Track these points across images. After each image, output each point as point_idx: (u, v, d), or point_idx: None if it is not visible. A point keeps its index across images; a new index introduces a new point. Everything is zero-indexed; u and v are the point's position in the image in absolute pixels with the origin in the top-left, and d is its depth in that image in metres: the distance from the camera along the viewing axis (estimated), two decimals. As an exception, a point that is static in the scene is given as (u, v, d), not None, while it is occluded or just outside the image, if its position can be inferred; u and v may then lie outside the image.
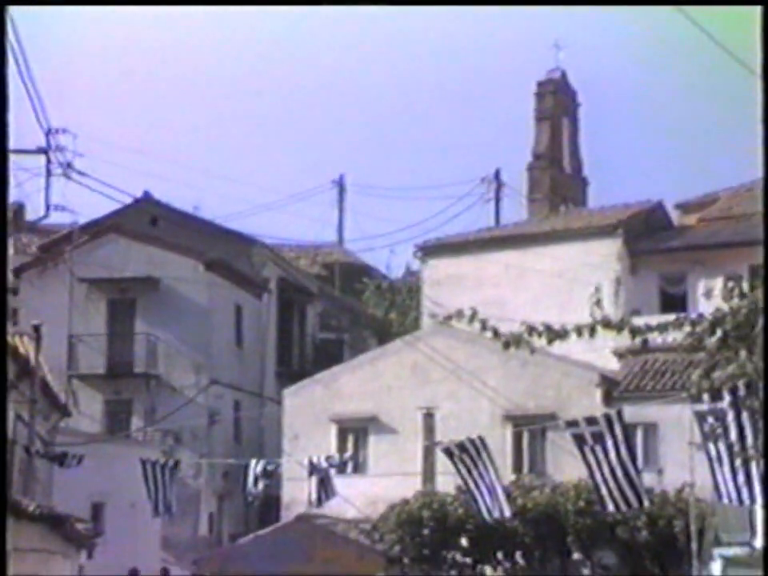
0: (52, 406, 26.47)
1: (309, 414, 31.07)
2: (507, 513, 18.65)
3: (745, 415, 12.60)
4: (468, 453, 18.26)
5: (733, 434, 12.72)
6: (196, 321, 34.55)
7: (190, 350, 34.52)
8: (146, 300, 34.80)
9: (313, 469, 22.27)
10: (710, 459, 13.09)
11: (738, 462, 12.86)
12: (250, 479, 21.24)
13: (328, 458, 23.28)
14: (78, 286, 34.25)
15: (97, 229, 35.13)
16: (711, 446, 13.11)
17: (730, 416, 12.74)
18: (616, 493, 15.78)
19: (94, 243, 34.57)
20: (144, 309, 34.89)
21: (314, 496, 21.55)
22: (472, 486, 18.25)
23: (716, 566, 14.38)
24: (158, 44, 67.75)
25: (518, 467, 28.66)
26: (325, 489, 21.64)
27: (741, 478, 12.94)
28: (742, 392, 12.53)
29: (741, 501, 13.02)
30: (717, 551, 14.25)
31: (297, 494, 28.20)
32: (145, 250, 35.15)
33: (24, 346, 19.22)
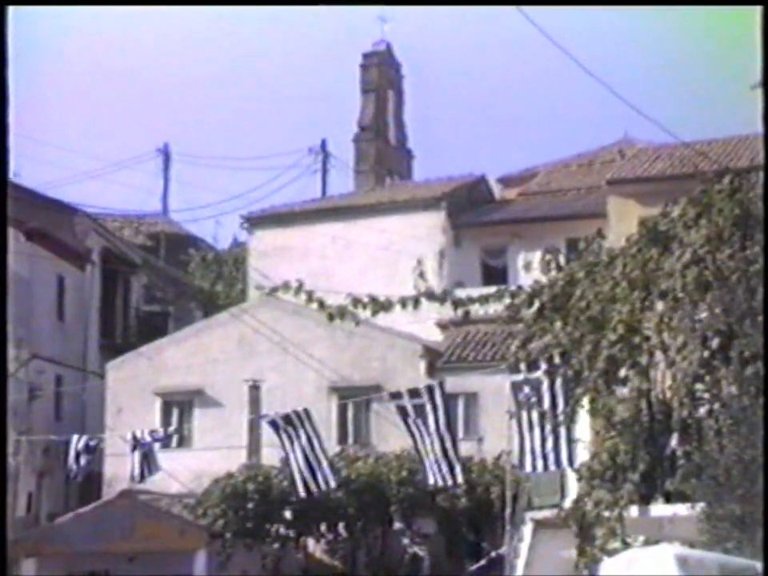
0: None
1: (133, 387, 30.66)
2: (333, 483, 18.82)
3: (558, 383, 13.07)
4: (293, 425, 18.35)
5: (546, 401, 13.16)
6: (16, 293, 33.47)
7: (9, 322, 33.57)
8: (-38, 271, 33.71)
9: (136, 443, 22.00)
10: (520, 428, 13.48)
11: (548, 429, 13.30)
12: (72, 455, 20.88)
13: (152, 432, 23.04)
14: None
15: None
16: (524, 414, 13.51)
17: (545, 384, 13.19)
18: (437, 464, 16.10)
19: None
20: (-41, 280, 33.79)
21: (136, 471, 21.28)
22: (296, 457, 18.34)
23: (527, 529, 14.87)
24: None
25: (342, 438, 28.90)
26: (148, 464, 21.42)
27: (550, 443, 13.38)
28: (556, 360, 13.00)
29: (546, 466, 13.45)
30: (528, 515, 14.72)
31: (120, 469, 27.78)
32: (-41, 218, 34.02)
33: None
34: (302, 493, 18.53)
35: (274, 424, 18.57)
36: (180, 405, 30.50)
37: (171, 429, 27.58)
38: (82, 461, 20.47)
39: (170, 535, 25.40)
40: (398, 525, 26.73)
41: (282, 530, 26.74)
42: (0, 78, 10.44)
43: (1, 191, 9.57)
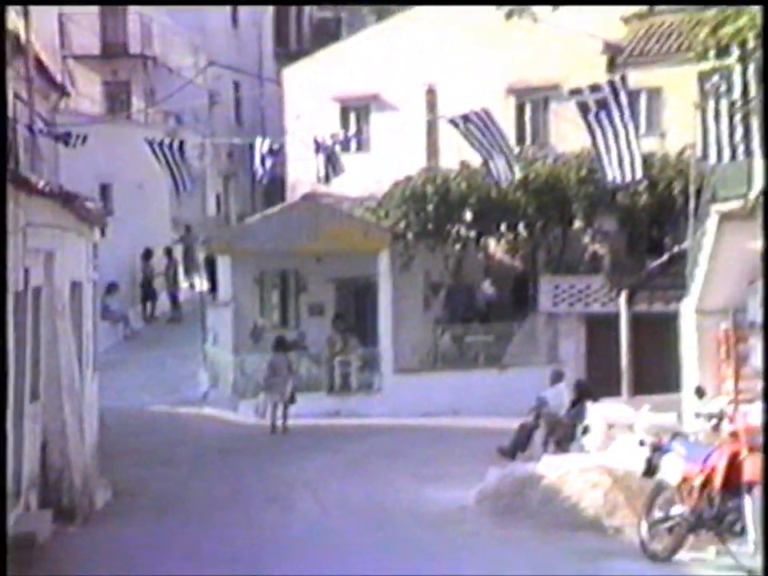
0: (49, 85, 26.09)
1: (309, 93, 30.78)
2: (517, 175, 19.05)
3: (751, 69, 12.43)
4: (474, 123, 18.19)
5: (737, 90, 12.59)
6: (189, -2, 33.69)
7: (184, 30, 33.85)
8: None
9: (318, 147, 22.19)
10: (705, 118, 12.95)
11: (737, 118, 12.76)
12: (257, 158, 21.12)
13: (333, 136, 23.17)
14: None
15: None
16: (711, 104, 12.98)
17: (737, 71, 12.59)
18: (617, 159, 15.80)
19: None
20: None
21: (322, 173, 21.49)
22: (482, 153, 18.29)
23: (711, 222, 14.42)
24: None
25: (521, 139, 28.64)
26: (333, 165, 21.61)
27: (739, 132, 12.87)
28: (751, 44, 12.32)
29: (734, 156, 12.97)
30: (713, 207, 14.23)
31: (301, 174, 28.36)
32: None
33: (13, 22, 18.40)
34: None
35: (454, 123, 18.42)
36: (357, 109, 30.59)
37: (351, 132, 27.76)
38: (267, 163, 20.67)
39: (354, 236, 25.99)
40: (577, 223, 26.73)
41: (462, 231, 27.08)
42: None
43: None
